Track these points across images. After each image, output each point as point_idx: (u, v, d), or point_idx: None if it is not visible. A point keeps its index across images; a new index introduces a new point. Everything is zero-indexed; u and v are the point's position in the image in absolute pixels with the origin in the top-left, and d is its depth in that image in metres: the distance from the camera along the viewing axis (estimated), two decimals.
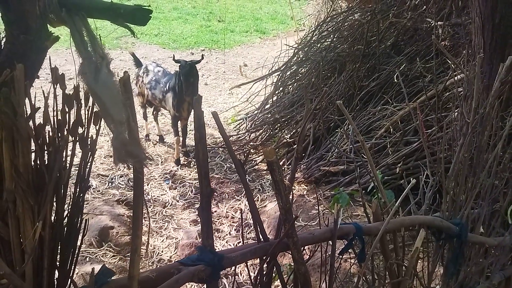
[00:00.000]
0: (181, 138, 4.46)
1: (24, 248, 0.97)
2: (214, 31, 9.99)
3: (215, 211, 3.69)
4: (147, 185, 4.02)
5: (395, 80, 3.77)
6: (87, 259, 3.01)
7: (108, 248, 3.12)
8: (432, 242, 1.67)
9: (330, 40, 4.94)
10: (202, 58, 4.29)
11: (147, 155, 0.90)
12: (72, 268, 1.12)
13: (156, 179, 4.17)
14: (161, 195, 3.92)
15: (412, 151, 3.38)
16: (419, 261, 1.63)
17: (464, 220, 1.60)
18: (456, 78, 2.89)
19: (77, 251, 1.12)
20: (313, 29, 5.27)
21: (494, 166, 1.69)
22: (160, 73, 4.48)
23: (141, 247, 1.01)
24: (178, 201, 3.84)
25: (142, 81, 4.55)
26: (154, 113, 4.93)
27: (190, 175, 4.26)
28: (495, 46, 2.38)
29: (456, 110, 1.98)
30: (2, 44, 1.02)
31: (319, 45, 5.06)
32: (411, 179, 1.54)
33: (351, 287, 2.29)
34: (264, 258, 1.22)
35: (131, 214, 3.39)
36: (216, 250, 1.15)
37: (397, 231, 1.48)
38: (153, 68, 4.55)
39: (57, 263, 1.08)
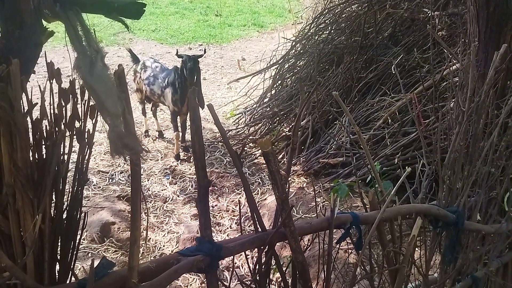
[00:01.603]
0: (180, 133, 4.47)
1: (24, 241, 0.99)
2: (212, 25, 9.96)
3: (216, 205, 3.71)
4: (148, 180, 4.04)
5: (393, 71, 3.78)
6: (89, 254, 3.03)
7: (109, 244, 3.15)
8: (429, 231, 1.68)
9: (327, 32, 4.93)
10: (205, 52, 4.30)
11: (143, 147, 0.91)
12: (73, 261, 1.13)
13: (156, 174, 4.19)
14: (162, 190, 3.95)
15: (410, 141, 3.39)
16: (416, 249, 1.65)
17: (461, 208, 1.61)
18: (452, 68, 2.89)
19: (77, 244, 1.13)
20: (311, 21, 5.26)
21: (490, 154, 1.70)
22: (158, 69, 4.48)
23: (141, 240, 1.02)
24: (178, 196, 3.87)
25: (140, 77, 4.56)
26: (153, 109, 4.94)
27: (190, 170, 4.28)
28: (490, 35, 2.38)
29: (452, 100, 1.99)
30: None
31: (316, 37, 5.05)
32: (406, 167, 1.56)
33: (350, 277, 2.31)
34: (262, 248, 1.24)
35: None
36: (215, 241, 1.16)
37: (394, 220, 1.50)
38: (151, 64, 4.55)
39: (58, 256, 1.10)
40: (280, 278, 1.39)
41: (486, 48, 2.40)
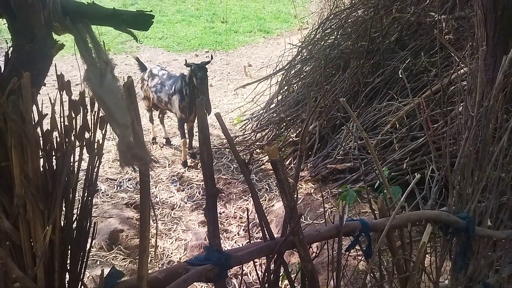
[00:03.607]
0: (187, 140, 4.49)
1: (35, 251, 1.00)
2: (218, 32, 10.02)
3: (223, 212, 3.71)
4: (155, 187, 4.06)
5: (400, 76, 3.76)
6: (98, 262, 3.04)
7: (118, 251, 3.16)
8: (439, 237, 1.67)
9: (333, 37, 4.93)
10: (212, 58, 4.33)
11: (152, 157, 0.92)
12: (82, 270, 1.14)
13: (163, 181, 4.20)
14: (169, 197, 3.95)
15: (418, 146, 3.37)
16: (427, 256, 1.63)
17: (471, 214, 1.60)
18: (460, 71, 2.87)
19: (86, 254, 1.14)
20: (317, 27, 5.27)
21: (500, 159, 1.69)
22: (165, 76, 4.51)
23: (150, 249, 1.03)
24: (186, 203, 3.87)
25: (147, 85, 4.59)
26: (160, 116, 4.96)
27: (197, 176, 4.28)
28: (498, 38, 2.37)
29: (461, 104, 1.98)
30: (9, 53, 1.04)
31: (322, 42, 5.05)
32: (415, 174, 1.55)
33: (359, 284, 2.29)
34: (270, 256, 1.23)
35: None
36: (224, 250, 1.16)
37: (403, 227, 1.49)
38: (158, 72, 4.59)
39: (68, 266, 1.10)
40: (289, 286, 1.38)
41: (494, 52, 2.38)
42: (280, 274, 1.35)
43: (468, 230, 1.56)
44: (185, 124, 4.44)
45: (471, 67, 1.74)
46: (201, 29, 10.18)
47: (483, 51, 1.68)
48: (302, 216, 3.31)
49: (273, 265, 1.28)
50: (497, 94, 1.62)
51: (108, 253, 3.13)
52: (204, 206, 3.77)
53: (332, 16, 5.12)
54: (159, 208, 3.75)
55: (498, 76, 1.61)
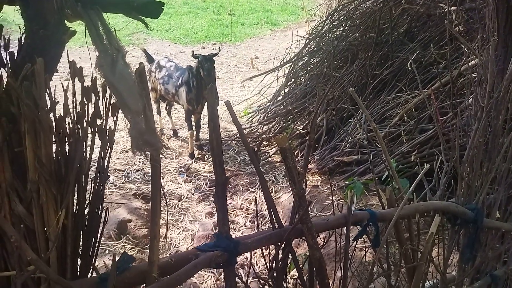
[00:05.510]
0: (194, 132, 4.51)
1: (48, 236, 1.01)
2: (225, 24, 9.99)
3: (230, 203, 3.73)
4: (163, 178, 4.08)
5: (409, 68, 3.73)
6: (107, 251, 3.08)
7: (126, 241, 3.19)
8: (447, 228, 1.66)
9: (341, 29, 4.89)
10: (219, 50, 4.33)
11: (163, 143, 0.93)
12: (94, 256, 1.16)
13: (171, 173, 4.23)
14: (177, 188, 3.98)
15: (427, 138, 3.35)
16: (434, 247, 1.63)
17: (479, 205, 1.59)
18: (470, 63, 2.85)
19: (98, 239, 1.16)
20: (324, 18, 5.23)
21: (510, 151, 1.67)
22: (172, 68, 4.52)
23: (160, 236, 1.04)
24: (193, 194, 3.90)
25: (154, 77, 4.60)
26: (167, 108, 4.98)
27: (204, 168, 4.31)
28: (509, 29, 2.33)
29: (471, 96, 1.96)
30: (23, 39, 1.06)
31: (330, 34, 5.02)
32: (424, 164, 1.54)
33: (366, 275, 2.30)
34: (279, 244, 1.24)
35: (148, 208, 3.46)
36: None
37: (411, 217, 1.48)
38: (165, 63, 4.59)
39: (80, 251, 1.12)
40: (296, 275, 1.39)
41: (505, 43, 2.35)
42: (288, 263, 1.36)
43: (477, 221, 1.56)
44: (192, 116, 4.45)
45: (482, 58, 1.72)
46: (208, 21, 10.15)
47: (494, 41, 1.65)
48: (309, 208, 3.31)
49: (281, 254, 1.29)
50: (507, 85, 1.60)
51: (117, 242, 3.17)
52: (211, 197, 3.81)
53: (340, 7, 5.07)
54: (167, 199, 3.78)
55: (510, 66, 1.59)
